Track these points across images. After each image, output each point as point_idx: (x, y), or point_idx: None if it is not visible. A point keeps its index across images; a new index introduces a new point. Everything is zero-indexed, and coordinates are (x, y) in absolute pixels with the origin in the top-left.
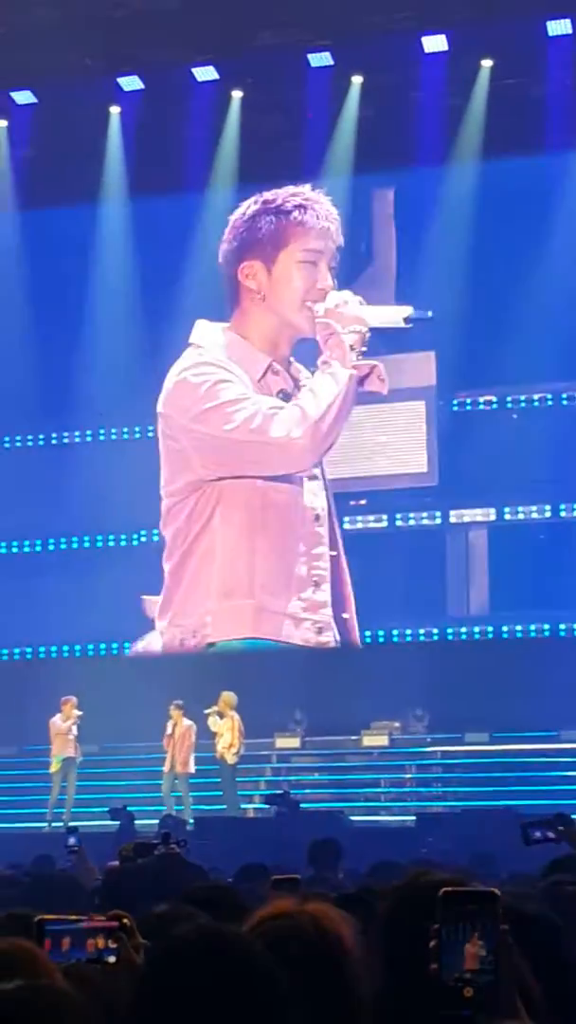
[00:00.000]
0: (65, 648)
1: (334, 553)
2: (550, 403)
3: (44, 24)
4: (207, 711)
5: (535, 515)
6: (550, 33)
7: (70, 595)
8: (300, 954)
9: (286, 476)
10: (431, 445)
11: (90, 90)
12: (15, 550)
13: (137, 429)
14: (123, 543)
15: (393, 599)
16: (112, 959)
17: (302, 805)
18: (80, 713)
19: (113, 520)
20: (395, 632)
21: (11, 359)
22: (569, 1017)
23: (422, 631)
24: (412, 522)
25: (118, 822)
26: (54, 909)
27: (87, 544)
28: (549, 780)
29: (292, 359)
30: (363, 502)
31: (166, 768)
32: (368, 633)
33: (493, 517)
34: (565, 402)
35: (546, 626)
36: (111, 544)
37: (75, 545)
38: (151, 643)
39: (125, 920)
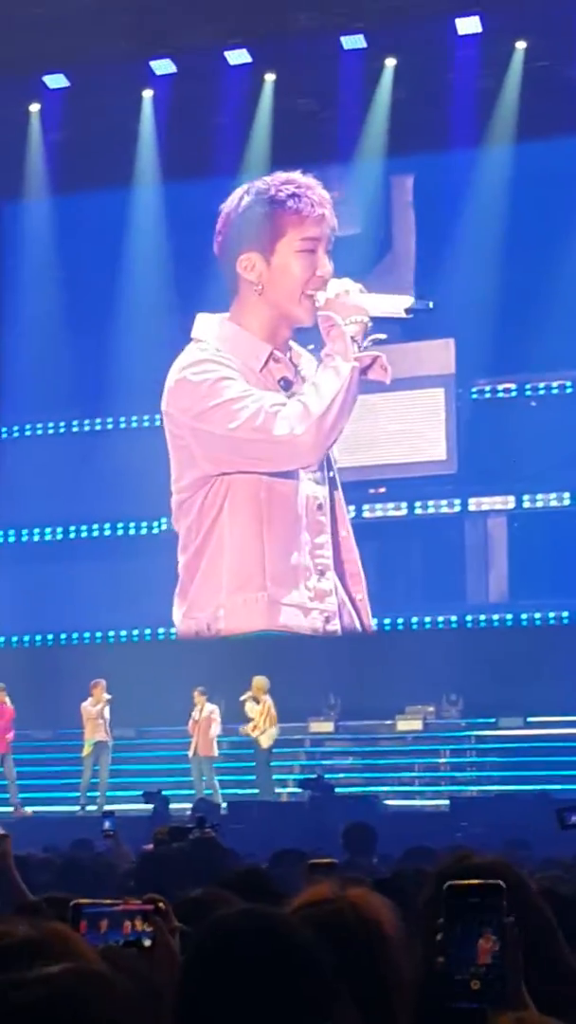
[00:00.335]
0: (99, 634)
1: (344, 533)
2: (569, 391)
3: (77, 7)
4: (242, 697)
5: (554, 503)
6: None
7: (104, 581)
8: (340, 940)
9: None
10: (450, 433)
11: (123, 74)
12: (48, 537)
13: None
14: (155, 530)
15: (412, 586)
16: (148, 942)
17: (336, 789)
18: (110, 697)
19: (143, 507)
20: (414, 620)
21: (43, 345)
22: None
23: (441, 619)
24: (431, 510)
25: (152, 805)
26: (86, 893)
27: (120, 531)
28: None
29: (292, 343)
30: (382, 490)
31: (190, 753)
32: (388, 621)
33: (512, 505)
34: None
35: (565, 613)
36: (143, 531)
37: (107, 532)
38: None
39: (161, 903)
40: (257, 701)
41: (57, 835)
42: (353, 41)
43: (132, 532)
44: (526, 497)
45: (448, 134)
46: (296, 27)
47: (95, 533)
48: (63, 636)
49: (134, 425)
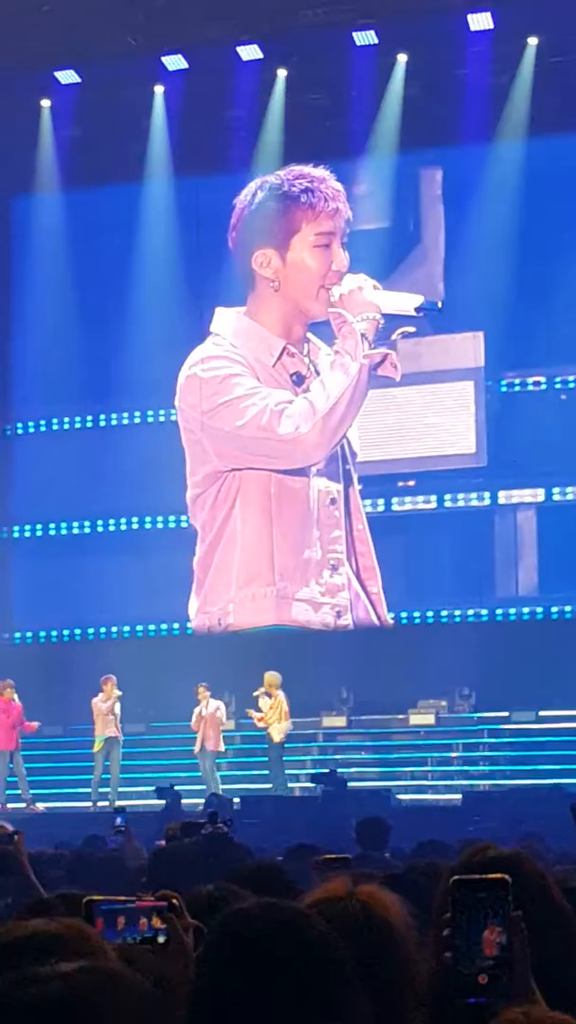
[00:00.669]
0: (114, 629)
1: (360, 527)
2: None
3: (89, 3)
4: (256, 692)
5: None
6: None
7: (116, 576)
8: (350, 939)
9: None
10: (480, 426)
11: (134, 69)
12: (64, 531)
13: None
14: (171, 524)
15: (442, 580)
16: (162, 939)
17: (349, 784)
18: (120, 693)
19: (158, 502)
20: (444, 613)
21: (58, 340)
22: None
23: (471, 612)
24: (461, 503)
25: (164, 801)
26: (97, 889)
27: (135, 526)
28: None
29: (310, 336)
30: (412, 483)
31: (197, 749)
32: (417, 614)
33: (542, 498)
34: None
35: None
36: (159, 526)
37: (123, 527)
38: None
39: (175, 900)
40: (270, 696)
41: (69, 831)
42: (365, 37)
43: (143, 527)
44: (556, 490)
45: (460, 129)
46: (308, 22)
47: (104, 528)
48: (78, 632)
49: (150, 420)
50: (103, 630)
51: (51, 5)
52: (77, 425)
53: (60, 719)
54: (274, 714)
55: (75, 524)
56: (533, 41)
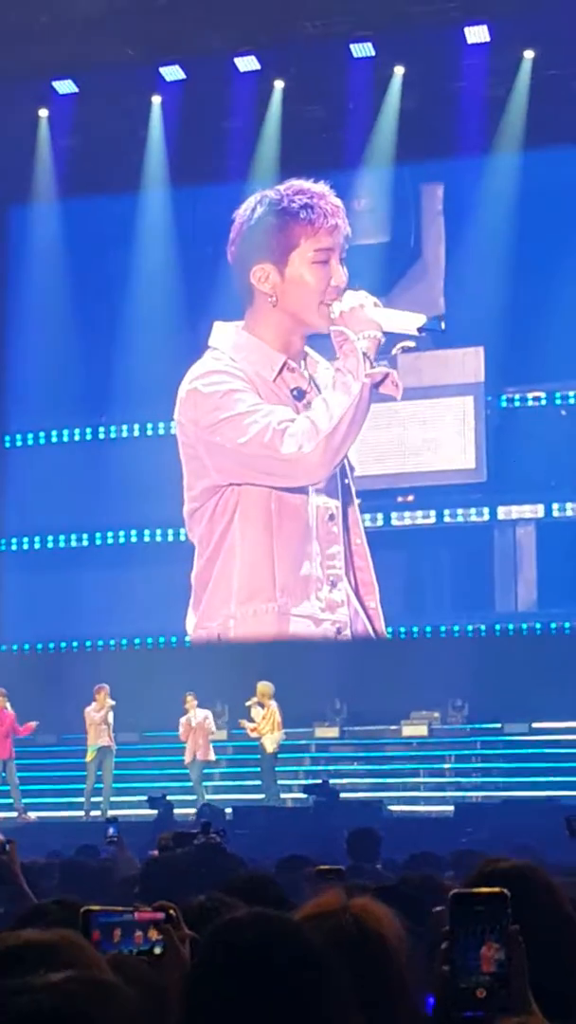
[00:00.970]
0: (111, 641)
1: (359, 542)
2: None
3: (87, 13)
4: (248, 702)
5: None
6: None
7: (111, 588)
8: (343, 953)
9: None
10: (479, 441)
11: (132, 79)
12: (62, 544)
13: (175, 424)
14: (169, 538)
15: (441, 596)
16: (159, 950)
17: (341, 795)
18: (113, 703)
19: (153, 515)
20: (442, 628)
21: (54, 351)
22: None
23: (470, 627)
24: (460, 518)
25: (156, 811)
26: (88, 899)
27: (133, 539)
28: None
29: (308, 349)
30: (411, 498)
31: (187, 759)
32: (416, 629)
33: (541, 514)
34: None
35: None
36: (157, 539)
37: (122, 540)
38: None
39: (172, 911)
40: (262, 706)
41: (61, 840)
42: (362, 49)
43: (141, 540)
44: (555, 506)
45: (457, 142)
46: (305, 34)
47: (101, 542)
48: (76, 644)
49: (149, 434)
50: (100, 643)
51: (49, 15)
52: (76, 438)
53: (53, 728)
54: (267, 724)
55: (72, 537)
56: (529, 54)
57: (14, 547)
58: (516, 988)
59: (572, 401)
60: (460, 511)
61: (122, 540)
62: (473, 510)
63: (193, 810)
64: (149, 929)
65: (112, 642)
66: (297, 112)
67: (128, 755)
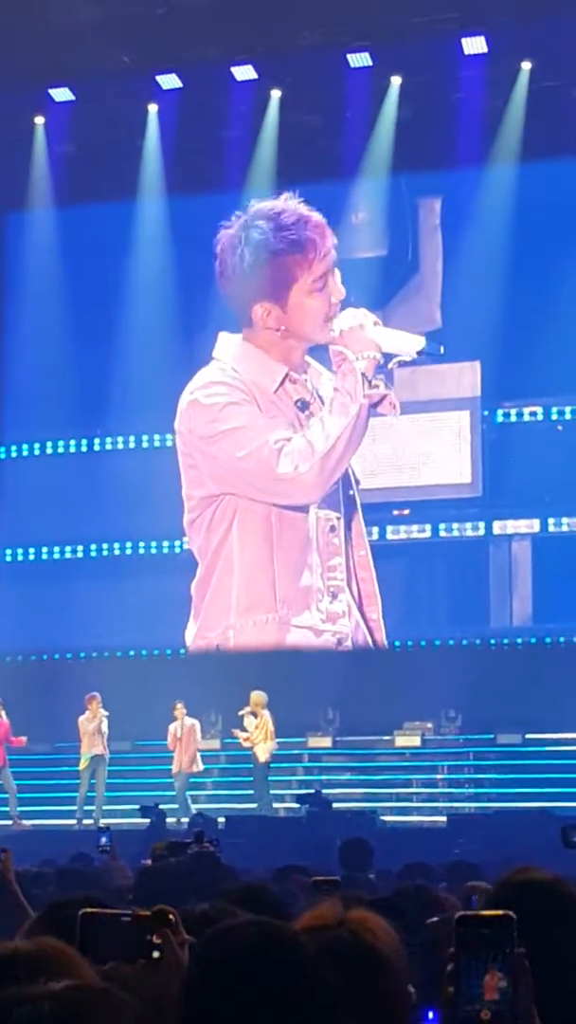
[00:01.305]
0: (105, 654)
1: (362, 553)
2: None
3: (84, 22)
4: (241, 712)
5: None
6: None
7: (105, 599)
8: (339, 967)
9: None
10: (475, 456)
11: (128, 88)
12: (56, 555)
13: (170, 437)
14: (164, 550)
15: (436, 610)
16: (156, 954)
17: (334, 805)
18: (107, 713)
19: (148, 526)
20: (436, 641)
21: (49, 361)
22: None
23: (465, 641)
24: (455, 532)
25: (148, 819)
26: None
27: (129, 551)
28: None
29: (309, 359)
30: (406, 512)
31: (175, 769)
32: (411, 643)
33: (537, 529)
34: None
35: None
36: (153, 551)
37: (117, 552)
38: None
39: (171, 915)
40: (256, 716)
41: (53, 849)
42: (359, 59)
43: (130, 552)
44: (551, 521)
45: (454, 152)
46: (302, 44)
47: (93, 553)
48: (69, 655)
49: (145, 445)
50: (94, 654)
51: (46, 22)
52: (72, 449)
53: (46, 737)
54: (260, 734)
55: (67, 548)
56: (527, 65)
57: (8, 558)
58: (522, 1010)
59: (568, 416)
60: (455, 525)
61: (117, 551)
62: (469, 524)
63: (178, 819)
64: (148, 933)
65: (107, 653)
66: (294, 121)
67: (120, 764)
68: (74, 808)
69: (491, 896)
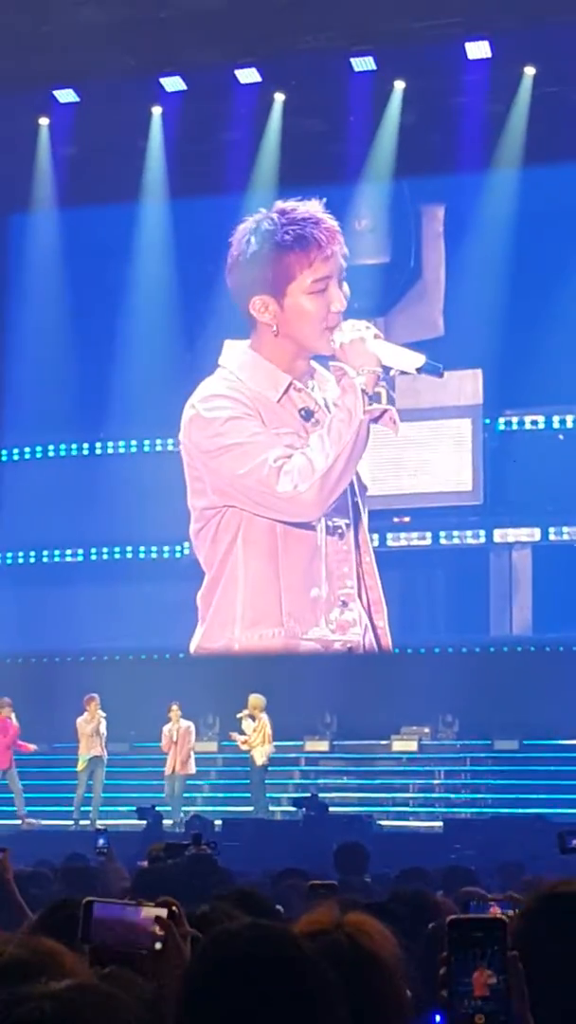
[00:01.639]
0: (105, 656)
1: (368, 559)
2: None
3: (88, 24)
4: (239, 715)
5: None
6: None
7: (104, 602)
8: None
9: None
10: (476, 464)
11: (132, 90)
12: (56, 559)
13: (171, 441)
14: (164, 555)
15: (436, 617)
16: (159, 946)
17: (330, 809)
18: (104, 714)
19: (148, 532)
20: (436, 649)
21: (51, 364)
22: None
23: (464, 649)
24: (456, 540)
25: (145, 821)
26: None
27: (129, 555)
28: None
29: (315, 365)
30: (407, 519)
31: (167, 771)
32: (410, 651)
33: (538, 537)
34: None
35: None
36: (153, 556)
37: (117, 555)
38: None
39: (175, 907)
40: (253, 719)
41: (49, 849)
42: (363, 63)
43: (130, 556)
44: (552, 529)
45: (457, 157)
46: (306, 47)
47: (93, 557)
48: (68, 657)
49: (146, 450)
50: (94, 657)
51: (51, 24)
52: (72, 452)
53: (44, 737)
54: (258, 737)
55: (67, 552)
56: (530, 70)
57: (8, 561)
58: (516, 1015)
59: (570, 425)
60: (456, 533)
61: (117, 555)
62: (469, 532)
63: (175, 821)
64: (151, 925)
65: (105, 656)
66: (297, 125)
67: (117, 765)
68: (71, 809)
69: (530, 909)
